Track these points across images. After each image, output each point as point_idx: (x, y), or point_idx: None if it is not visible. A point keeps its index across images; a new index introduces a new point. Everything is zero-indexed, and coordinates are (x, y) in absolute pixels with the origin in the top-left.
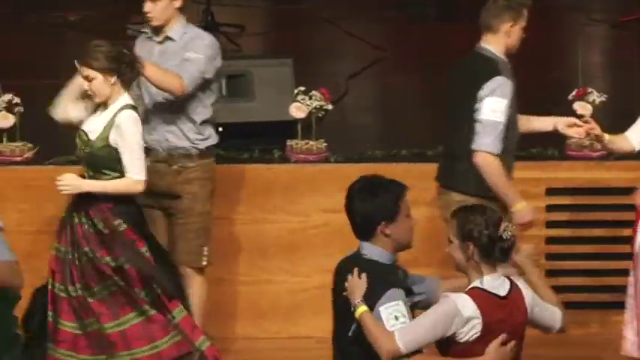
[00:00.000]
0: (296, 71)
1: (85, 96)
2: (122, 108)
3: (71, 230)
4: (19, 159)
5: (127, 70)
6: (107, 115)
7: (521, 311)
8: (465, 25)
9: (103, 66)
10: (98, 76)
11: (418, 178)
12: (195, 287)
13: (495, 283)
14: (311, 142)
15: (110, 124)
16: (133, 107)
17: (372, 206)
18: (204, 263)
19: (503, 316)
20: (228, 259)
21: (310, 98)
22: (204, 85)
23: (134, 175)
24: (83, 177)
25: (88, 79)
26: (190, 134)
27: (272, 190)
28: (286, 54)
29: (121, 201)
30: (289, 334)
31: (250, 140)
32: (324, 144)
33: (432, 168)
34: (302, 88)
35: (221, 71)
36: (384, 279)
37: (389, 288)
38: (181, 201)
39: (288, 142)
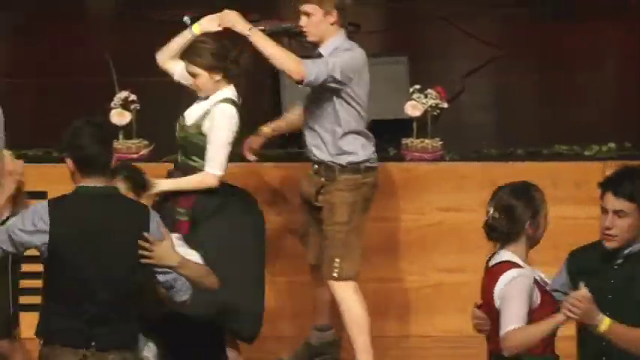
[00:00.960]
0: (411, 69)
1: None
2: (222, 100)
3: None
4: (135, 156)
5: (232, 67)
6: (206, 104)
7: None
8: (583, 24)
9: (208, 63)
10: (203, 74)
11: (533, 178)
12: (341, 303)
13: None
14: (426, 141)
15: (206, 113)
16: (234, 102)
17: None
18: (335, 275)
19: None
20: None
21: (426, 97)
22: (339, 94)
23: (210, 170)
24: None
25: (193, 75)
26: (330, 148)
27: (387, 189)
28: (401, 52)
29: (203, 193)
30: (402, 332)
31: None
32: (440, 142)
33: (546, 167)
34: (417, 87)
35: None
36: None
37: None
38: (322, 211)
39: (404, 141)
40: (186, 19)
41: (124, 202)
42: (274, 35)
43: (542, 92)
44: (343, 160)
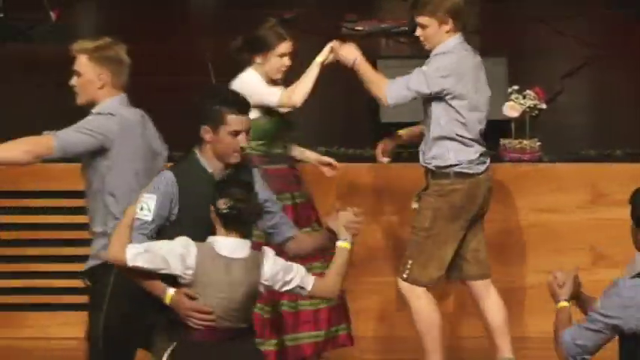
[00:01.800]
0: (509, 70)
1: None
2: None
3: None
4: None
5: None
6: None
7: None
8: None
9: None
10: None
11: (632, 179)
12: (408, 303)
13: None
14: (524, 142)
15: None
16: None
17: None
18: (404, 276)
19: None
20: None
21: (524, 97)
22: (438, 100)
23: None
24: None
25: None
26: (426, 152)
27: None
28: (500, 53)
29: None
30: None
31: None
32: (538, 143)
33: None
34: (516, 87)
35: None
36: None
37: None
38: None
39: (502, 141)
40: (287, 17)
41: None
42: (372, 35)
43: None
44: (433, 164)
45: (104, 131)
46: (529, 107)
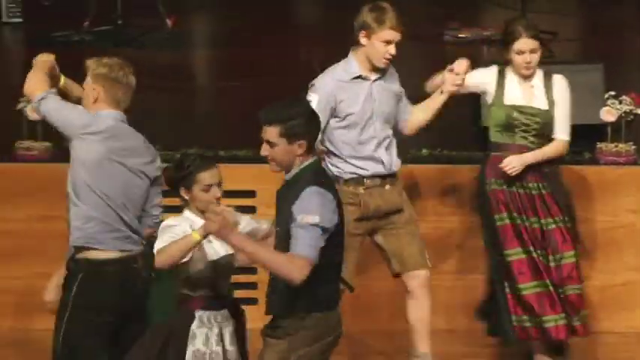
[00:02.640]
0: (606, 76)
1: None
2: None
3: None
4: None
5: None
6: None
7: None
8: None
9: None
10: None
11: None
12: (425, 291)
13: None
14: (620, 145)
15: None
16: None
17: None
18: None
19: None
20: None
21: (620, 102)
22: None
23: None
24: None
25: None
26: None
27: (582, 190)
28: (597, 59)
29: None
30: (596, 329)
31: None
32: (633, 147)
33: None
34: (612, 93)
35: None
36: None
37: None
38: (403, 214)
39: (598, 145)
40: None
41: None
42: (474, 43)
43: None
44: None
45: None
46: (625, 112)
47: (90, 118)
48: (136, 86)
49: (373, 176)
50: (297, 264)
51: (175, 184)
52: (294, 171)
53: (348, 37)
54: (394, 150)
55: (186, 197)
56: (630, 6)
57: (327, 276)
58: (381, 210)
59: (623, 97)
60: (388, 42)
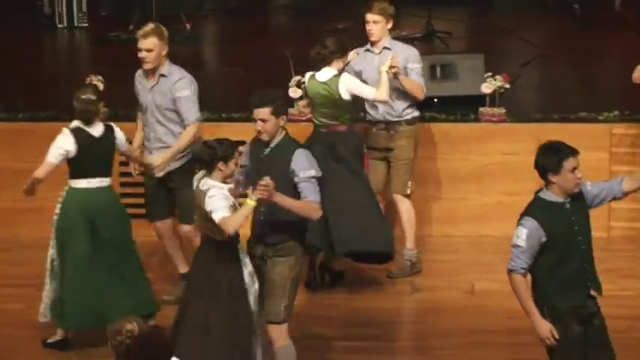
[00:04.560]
0: (486, 62)
1: None
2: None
3: None
4: (304, 118)
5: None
6: None
7: None
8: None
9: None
10: None
11: (565, 134)
12: (404, 209)
13: None
14: (495, 109)
15: None
16: None
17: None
18: (409, 192)
19: None
20: (437, 184)
21: (495, 80)
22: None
23: None
24: None
25: None
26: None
27: (468, 140)
28: (479, 51)
29: None
30: (478, 233)
31: (455, 107)
32: (503, 110)
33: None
34: (489, 74)
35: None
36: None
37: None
38: (394, 152)
39: (480, 109)
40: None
41: None
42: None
43: (576, 82)
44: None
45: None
46: (498, 87)
47: None
48: None
49: (377, 121)
50: (314, 207)
51: (213, 158)
52: (277, 139)
53: (314, 38)
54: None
55: (222, 169)
56: (501, 12)
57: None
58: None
59: (497, 76)
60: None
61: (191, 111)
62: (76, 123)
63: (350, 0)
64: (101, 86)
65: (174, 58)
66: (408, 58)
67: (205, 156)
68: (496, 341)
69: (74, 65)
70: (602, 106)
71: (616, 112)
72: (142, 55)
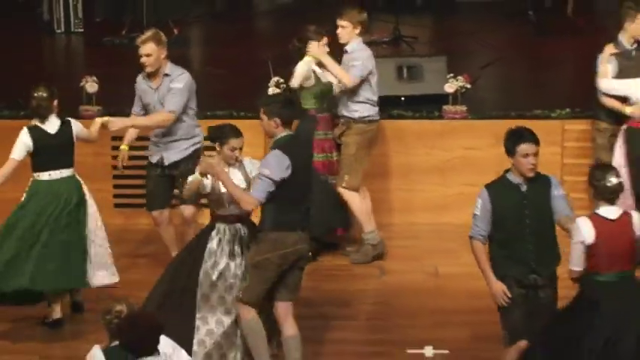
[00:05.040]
0: (448, 64)
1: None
2: None
3: None
4: None
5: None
6: None
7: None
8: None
9: None
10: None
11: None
12: (347, 200)
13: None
14: (457, 107)
15: None
16: None
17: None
18: (344, 185)
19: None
20: (403, 176)
21: (457, 80)
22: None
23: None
24: None
25: None
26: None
27: (432, 135)
28: (443, 54)
29: None
30: (441, 221)
31: (421, 105)
32: (465, 108)
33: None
34: (452, 75)
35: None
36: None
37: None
38: (342, 147)
39: (444, 107)
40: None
41: None
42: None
43: (532, 82)
44: None
45: None
46: (460, 87)
47: None
48: None
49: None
50: (248, 200)
51: (213, 139)
52: (274, 139)
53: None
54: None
55: (218, 150)
56: (462, 19)
57: (284, 208)
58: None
59: (459, 77)
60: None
61: (173, 101)
62: (34, 121)
63: (330, 6)
64: (95, 87)
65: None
66: (356, 57)
67: (209, 136)
68: (458, 320)
69: (71, 67)
70: (555, 105)
71: (568, 110)
72: (142, 60)
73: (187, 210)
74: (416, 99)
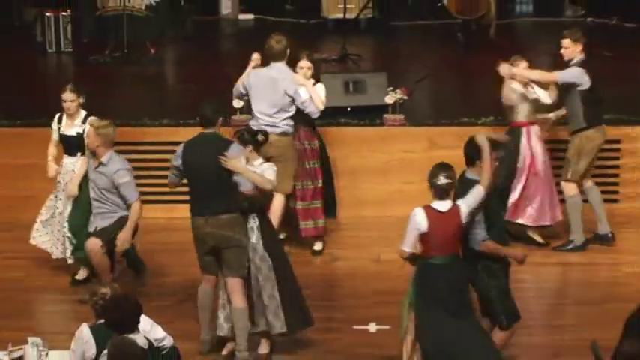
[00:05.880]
0: (389, 79)
1: None
2: None
3: None
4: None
5: None
6: None
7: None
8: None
9: None
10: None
11: (456, 137)
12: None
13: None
14: (396, 116)
15: None
16: None
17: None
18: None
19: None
20: (350, 176)
21: (396, 92)
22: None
23: None
24: None
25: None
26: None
27: (374, 140)
28: (383, 70)
29: None
30: (383, 215)
31: (364, 114)
32: (402, 116)
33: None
34: (391, 88)
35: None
36: None
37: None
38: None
39: (384, 116)
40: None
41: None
42: (318, 61)
43: (460, 94)
44: None
45: None
46: (398, 98)
47: None
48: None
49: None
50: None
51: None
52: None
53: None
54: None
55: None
56: (400, 40)
57: (190, 196)
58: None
59: (397, 89)
60: None
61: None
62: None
63: (286, 31)
64: (82, 100)
65: (141, 77)
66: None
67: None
68: (397, 299)
69: (61, 82)
70: (481, 113)
71: (491, 117)
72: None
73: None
74: (360, 109)
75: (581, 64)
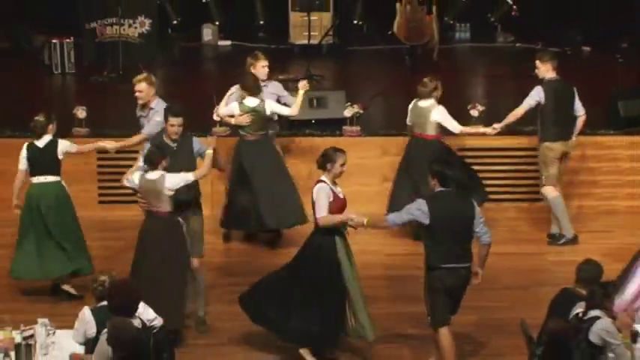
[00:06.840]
0: (347, 95)
1: None
2: None
3: None
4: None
5: None
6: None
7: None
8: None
9: None
10: None
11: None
12: None
13: None
14: (353, 127)
15: None
16: None
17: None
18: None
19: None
20: (314, 181)
21: (353, 107)
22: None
23: None
24: None
25: None
26: None
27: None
28: (342, 88)
29: None
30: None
31: (326, 126)
32: (359, 128)
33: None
34: (349, 103)
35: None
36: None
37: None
38: None
39: (343, 127)
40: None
41: None
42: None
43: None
44: None
45: None
46: (355, 112)
47: None
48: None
49: None
50: None
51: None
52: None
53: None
54: None
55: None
56: (356, 62)
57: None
58: None
59: (354, 105)
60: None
61: (148, 126)
62: (32, 139)
63: (264, 52)
64: (84, 114)
65: (134, 95)
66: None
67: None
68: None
69: (65, 99)
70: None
71: None
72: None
73: None
74: (323, 122)
75: (547, 83)
